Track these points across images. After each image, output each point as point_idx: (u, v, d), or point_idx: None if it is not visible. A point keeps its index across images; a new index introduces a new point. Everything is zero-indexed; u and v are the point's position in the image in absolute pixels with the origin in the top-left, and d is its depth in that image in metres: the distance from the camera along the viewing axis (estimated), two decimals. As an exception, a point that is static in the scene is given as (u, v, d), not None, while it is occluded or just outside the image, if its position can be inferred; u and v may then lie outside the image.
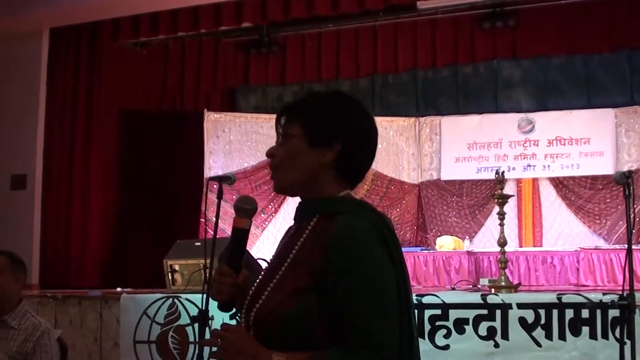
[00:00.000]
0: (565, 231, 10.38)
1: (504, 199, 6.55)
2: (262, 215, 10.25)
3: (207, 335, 4.52)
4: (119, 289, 7.60)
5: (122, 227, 10.77)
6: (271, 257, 2.02)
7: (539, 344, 5.51)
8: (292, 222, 2.10)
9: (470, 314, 5.67)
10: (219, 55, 11.78)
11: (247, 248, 2.13)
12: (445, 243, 9.86)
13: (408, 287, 1.86)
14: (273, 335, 1.77)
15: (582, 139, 10.45)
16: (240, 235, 1.99)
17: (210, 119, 10.74)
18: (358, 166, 1.98)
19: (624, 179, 4.22)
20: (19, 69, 10.04)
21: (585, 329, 5.44)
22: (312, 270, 1.78)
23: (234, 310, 2.00)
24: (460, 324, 5.66)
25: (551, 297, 5.63)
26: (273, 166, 1.95)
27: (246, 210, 2.00)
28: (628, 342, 4.06)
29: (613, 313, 5.27)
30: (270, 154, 1.95)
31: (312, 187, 1.92)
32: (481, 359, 5.55)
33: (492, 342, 5.58)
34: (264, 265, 2.14)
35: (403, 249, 1.93)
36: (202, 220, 9.85)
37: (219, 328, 1.82)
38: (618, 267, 8.85)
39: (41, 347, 3.86)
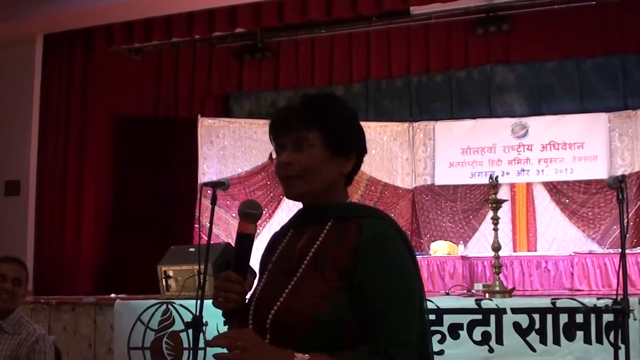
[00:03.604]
0: (559, 236, 10.38)
1: (498, 204, 6.56)
2: (257, 220, 10.22)
3: (201, 342, 4.51)
4: (112, 295, 7.60)
5: (116, 233, 10.75)
6: (266, 263, 2.00)
7: (533, 349, 5.52)
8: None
9: (465, 319, 5.68)
10: (212, 61, 11.78)
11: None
12: (440, 248, 9.86)
13: (423, 289, 1.91)
14: (297, 337, 1.75)
15: (575, 144, 10.46)
16: (246, 240, 1.94)
17: (204, 124, 10.72)
18: (357, 172, 2.02)
19: (618, 183, 4.24)
20: (12, 74, 10.02)
21: (580, 334, 5.45)
22: (340, 271, 1.80)
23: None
24: (454, 329, 5.66)
25: (545, 302, 5.65)
26: (292, 175, 1.91)
27: (252, 215, 1.95)
28: (622, 346, 4.06)
29: (607, 317, 5.29)
30: (286, 162, 1.90)
31: (327, 194, 1.94)
32: (476, 364, 5.56)
33: (486, 347, 5.58)
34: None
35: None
36: (196, 226, 9.84)
37: (216, 334, 1.80)
38: (612, 272, 8.85)
39: (36, 353, 3.86)
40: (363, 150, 2.00)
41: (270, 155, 1.98)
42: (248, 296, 1.95)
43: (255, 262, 2.00)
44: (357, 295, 1.77)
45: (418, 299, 1.84)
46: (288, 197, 1.98)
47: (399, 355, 1.73)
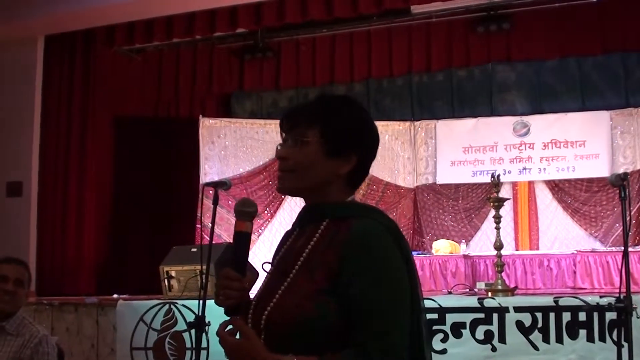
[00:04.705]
0: (561, 234, 10.37)
1: (500, 203, 6.56)
2: (258, 220, 10.23)
3: (204, 342, 4.52)
4: (115, 296, 7.60)
5: (118, 234, 10.76)
6: (274, 261, 2.01)
7: (536, 348, 5.52)
8: (288, 227, 2.10)
9: (467, 317, 5.68)
10: (213, 61, 11.79)
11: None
12: (442, 247, 9.85)
13: (419, 289, 1.89)
14: (287, 338, 1.77)
15: (577, 142, 10.45)
16: (243, 238, 1.95)
17: (206, 124, 10.72)
18: (365, 174, 2.01)
19: (620, 181, 4.24)
20: (14, 76, 10.02)
21: (583, 332, 5.45)
22: (328, 272, 1.79)
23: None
24: (457, 328, 5.66)
25: (548, 300, 5.64)
26: (286, 169, 1.93)
27: (247, 213, 1.97)
28: (625, 344, 4.06)
29: (610, 316, 5.29)
30: (282, 157, 1.93)
31: (322, 193, 1.94)
32: (479, 362, 5.55)
33: (489, 346, 5.58)
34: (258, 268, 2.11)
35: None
36: (198, 226, 9.83)
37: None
38: (615, 270, 8.84)
39: (39, 355, 3.85)
40: (367, 153, 1.98)
41: (277, 149, 2.00)
42: (252, 294, 1.97)
43: (254, 259, 2.01)
44: (342, 296, 1.76)
45: (407, 300, 1.82)
46: (278, 191, 2.00)
47: (383, 357, 1.72)
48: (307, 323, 1.75)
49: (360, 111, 1.98)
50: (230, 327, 1.85)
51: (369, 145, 1.98)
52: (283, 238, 2.07)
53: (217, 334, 1.83)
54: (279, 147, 1.98)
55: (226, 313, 1.95)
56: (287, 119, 1.98)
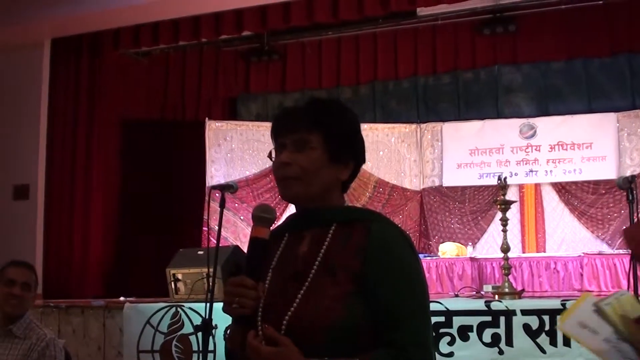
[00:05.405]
0: (568, 236, 10.34)
1: (506, 205, 6.55)
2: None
3: (211, 345, 4.52)
4: (122, 299, 7.60)
5: (124, 237, 10.76)
6: (269, 266, 1.97)
7: (543, 351, 5.50)
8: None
9: (474, 320, 5.67)
10: (219, 63, 11.79)
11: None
12: (448, 249, 9.83)
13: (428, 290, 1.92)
14: (314, 342, 1.75)
15: (584, 144, 10.42)
16: (260, 245, 1.92)
17: (212, 127, 10.73)
18: (354, 178, 2.03)
19: (627, 184, 4.24)
20: (20, 79, 10.04)
21: (590, 335, 5.42)
22: (350, 275, 1.80)
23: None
24: (464, 331, 5.65)
25: (555, 303, 5.64)
26: (291, 176, 1.91)
27: (266, 220, 1.94)
28: (633, 347, 4.04)
29: (617, 318, 5.26)
30: (286, 162, 1.91)
31: (322, 198, 1.94)
32: (486, 365, 5.54)
33: (496, 349, 5.57)
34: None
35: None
36: (205, 229, 9.84)
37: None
38: (622, 272, 8.81)
39: (46, 358, 3.86)
40: (361, 159, 2.00)
41: (270, 153, 1.97)
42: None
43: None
44: (370, 299, 1.77)
45: (429, 300, 1.86)
46: (283, 198, 1.99)
47: (419, 356, 1.74)
48: (340, 325, 1.74)
49: (354, 116, 2.00)
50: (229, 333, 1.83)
51: (362, 150, 2.01)
52: (272, 243, 2.01)
53: (249, 343, 1.79)
54: (273, 152, 1.96)
55: (236, 321, 1.92)
56: (284, 123, 1.96)
